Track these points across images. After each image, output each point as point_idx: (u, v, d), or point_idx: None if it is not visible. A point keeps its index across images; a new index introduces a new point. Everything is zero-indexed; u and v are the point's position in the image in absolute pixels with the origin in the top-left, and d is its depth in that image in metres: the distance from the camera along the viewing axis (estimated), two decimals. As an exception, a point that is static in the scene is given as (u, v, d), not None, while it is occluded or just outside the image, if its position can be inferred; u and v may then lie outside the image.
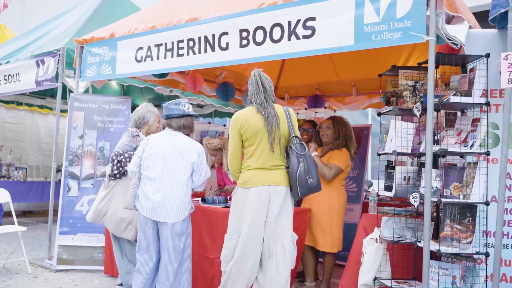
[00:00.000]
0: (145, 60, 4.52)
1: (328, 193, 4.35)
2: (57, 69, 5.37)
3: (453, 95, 3.07)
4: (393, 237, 3.40)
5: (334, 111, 7.07)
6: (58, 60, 5.36)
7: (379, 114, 3.70)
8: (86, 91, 5.38)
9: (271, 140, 3.21)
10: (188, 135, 3.65)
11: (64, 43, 5.47)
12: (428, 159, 2.93)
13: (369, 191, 6.58)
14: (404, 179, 3.34)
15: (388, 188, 3.58)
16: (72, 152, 5.01)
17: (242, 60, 3.86)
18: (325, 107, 6.94)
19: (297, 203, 4.69)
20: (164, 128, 3.66)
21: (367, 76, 6.13)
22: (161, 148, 3.51)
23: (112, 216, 3.95)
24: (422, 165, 3.43)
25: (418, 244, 3.19)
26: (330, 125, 4.52)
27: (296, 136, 3.28)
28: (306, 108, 7.04)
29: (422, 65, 3.38)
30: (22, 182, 8.06)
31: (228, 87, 6.66)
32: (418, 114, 3.24)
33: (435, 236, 3.33)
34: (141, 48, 4.55)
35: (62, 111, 6.66)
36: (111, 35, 4.86)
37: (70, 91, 5.40)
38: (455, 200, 3.05)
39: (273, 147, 3.21)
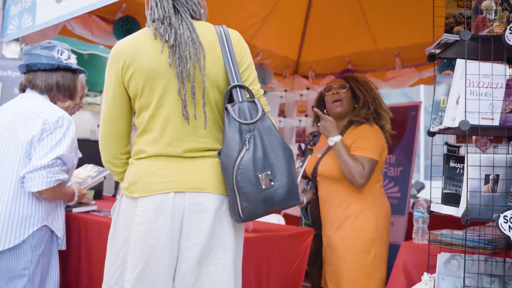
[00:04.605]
0: (66, -3, 3.01)
1: (358, 206, 2.62)
2: (-18, 29, 3.96)
3: None
4: (462, 298, 1.67)
5: (371, 89, 5.38)
6: (-16, 17, 3.95)
7: (433, 57, 1.98)
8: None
9: (183, 94, 1.57)
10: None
11: (-8, -6, 4.05)
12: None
13: (417, 197, 4.75)
14: (488, 181, 1.60)
15: (450, 198, 1.85)
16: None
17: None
18: (359, 84, 5.22)
19: (315, 222, 2.99)
20: (24, 91, 2.16)
21: (415, 40, 4.55)
22: None
23: None
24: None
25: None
26: (345, 85, 2.77)
27: (241, 87, 1.61)
28: (331, 86, 5.35)
29: None
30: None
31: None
32: (517, 42, 1.51)
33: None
34: (62, -20, 3.04)
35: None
36: (33, -30, 3.39)
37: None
38: None
39: (188, 109, 1.58)
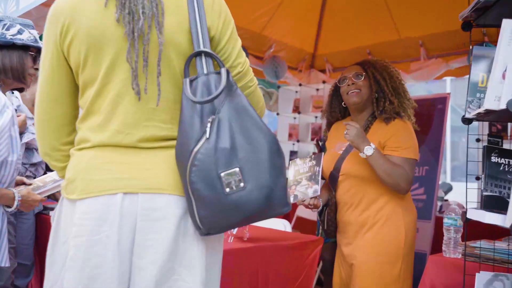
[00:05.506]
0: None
1: (387, 210, 2.25)
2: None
3: None
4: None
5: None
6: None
7: (468, 25, 1.59)
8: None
9: (134, 60, 1.20)
10: (21, 90, 1.87)
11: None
12: None
13: (446, 200, 4.32)
14: (548, 180, 1.20)
15: (492, 202, 1.45)
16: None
17: None
18: (380, 77, 4.84)
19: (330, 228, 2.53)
20: None
21: (442, 27, 4.31)
22: None
23: None
24: None
25: None
26: (361, 73, 2.40)
27: (208, 54, 1.24)
28: (350, 79, 4.99)
29: None
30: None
31: (241, 53, 4.75)
32: None
33: None
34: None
35: None
36: None
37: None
38: None
39: (139, 83, 1.21)
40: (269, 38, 4.91)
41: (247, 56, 3.72)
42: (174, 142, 1.23)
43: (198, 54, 1.22)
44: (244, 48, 4.33)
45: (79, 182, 1.22)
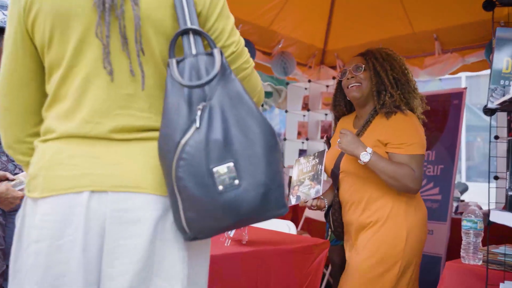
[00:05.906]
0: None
1: (388, 210, 2.11)
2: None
3: None
4: None
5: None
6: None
7: (491, 3, 1.42)
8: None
9: (104, 35, 1.04)
10: None
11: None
12: None
13: (462, 201, 4.14)
14: None
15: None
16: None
17: None
18: (393, 73, 4.70)
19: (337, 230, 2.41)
20: None
21: (458, 20, 4.20)
22: None
23: None
24: None
25: None
26: (360, 65, 2.24)
27: (196, 32, 1.08)
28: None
29: None
30: None
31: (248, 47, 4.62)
32: None
33: None
34: None
35: None
36: None
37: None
38: None
39: (116, 60, 1.07)
40: (277, 33, 4.79)
41: (254, 52, 3.54)
42: (153, 134, 1.08)
43: (185, 32, 1.07)
44: (251, 43, 4.18)
45: (41, 178, 1.07)
